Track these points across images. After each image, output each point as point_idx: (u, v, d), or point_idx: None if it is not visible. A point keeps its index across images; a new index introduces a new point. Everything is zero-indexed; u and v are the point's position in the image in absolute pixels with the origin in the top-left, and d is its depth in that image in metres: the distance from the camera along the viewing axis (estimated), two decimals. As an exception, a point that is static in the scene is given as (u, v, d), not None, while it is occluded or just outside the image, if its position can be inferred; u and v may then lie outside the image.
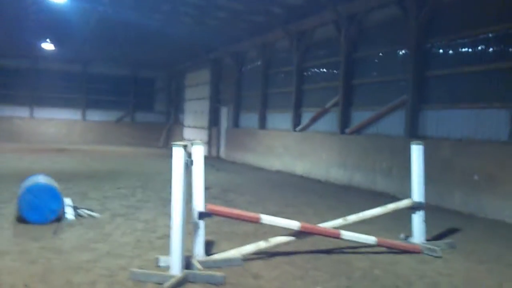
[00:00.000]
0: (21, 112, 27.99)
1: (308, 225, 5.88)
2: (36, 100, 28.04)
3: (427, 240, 6.43)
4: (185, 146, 4.65)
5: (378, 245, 6.04)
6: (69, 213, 7.41)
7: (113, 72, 29.74)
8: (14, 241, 6.04)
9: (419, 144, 6.49)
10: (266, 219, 5.55)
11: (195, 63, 25.33)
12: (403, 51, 11.96)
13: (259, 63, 18.92)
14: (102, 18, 16.76)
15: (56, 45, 22.41)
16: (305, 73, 16.03)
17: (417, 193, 6.38)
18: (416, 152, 6.43)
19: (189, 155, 4.83)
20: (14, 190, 9.28)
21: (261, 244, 5.63)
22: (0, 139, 25.67)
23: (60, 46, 22.71)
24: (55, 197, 7.04)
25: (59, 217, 7.05)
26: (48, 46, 22.50)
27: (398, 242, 6.33)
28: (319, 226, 6.03)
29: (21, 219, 6.89)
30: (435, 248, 6.08)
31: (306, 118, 15.70)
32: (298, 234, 5.76)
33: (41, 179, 7.58)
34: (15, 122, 27.69)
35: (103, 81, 29.69)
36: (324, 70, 15.24)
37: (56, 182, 7.78)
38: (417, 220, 6.36)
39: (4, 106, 27.48)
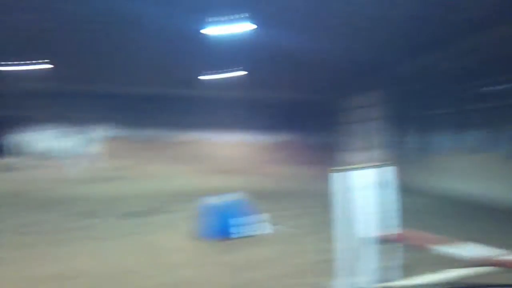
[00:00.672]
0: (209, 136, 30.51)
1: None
2: (211, 125, 30.35)
3: None
4: (344, 170, 4.52)
5: None
6: (257, 229, 7.80)
7: (280, 95, 30.82)
8: (194, 255, 6.51)
9: None
10: (455, 246, 5.06)
11: (362, 85, 24.98)
12: None
13: (440, 77, 17.88)
14: (287, 44, 17.29)
15: (244, 73, 23.85)
16: (477, 91, 14.72)
17: None
18: None
19: (364, 178, 4.69)
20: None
21: (450, 274, 5.15)
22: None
23: (248, 73, 24.07)
24: (247, 213, 7.49)
25: (250, 233, 7.49)
26: (238, 73, 24.00)
27: None
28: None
29: (199, 235, 7.42)
30: None
31: (486, 138, 14.35)
32: (487, 264, 5.14)
33: (235, 196, 8.16)
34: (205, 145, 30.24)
35: (270, 105, 31.00)
36: (498, 87, 13.83)
37: (247, 200, 8.26)
38: None
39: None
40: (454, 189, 15.28)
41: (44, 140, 29.23)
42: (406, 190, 15.85)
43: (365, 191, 4.96)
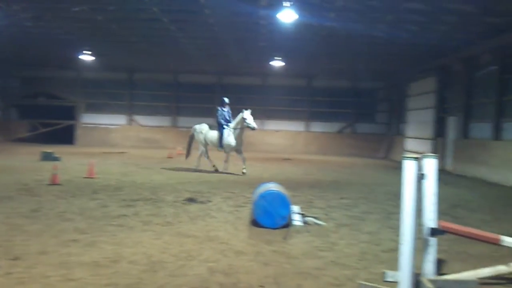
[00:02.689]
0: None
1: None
2: (267, 113, 30.34)
3: None
4: (417, 159, 4.47)
5: None
6: (297, 220, 7.80)
7: (334, 84, 30.62)
8: (249, 243, 6.59)
9: None
10: (508, 240, 4.97)
11: (419, 71, 24.34)
12: None
13: (493, 68, 17.24)
14: (328, 33, 17.34)
15: (284, 62, 23.98)
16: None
17: None
18: None
19: (419, 168, 4.63)
20: (248, 195, 10.26)
21: (501, 268, 5.06)
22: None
23: (288, 62, 24.22)
24: (285, 204, 7.50)
25: (288, 223, 7.49)
26: (277, 63, 24.21)
27: None
28: None
29: (255, 223, 7.52)
30: None
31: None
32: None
33: (273, 186, 8.15)
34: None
35: (325, 93, 30.76)
36: None
37: (285, 189, 8.28)
38: None
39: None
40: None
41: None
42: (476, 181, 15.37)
43: (427, 180, 4.88)
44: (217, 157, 16.98)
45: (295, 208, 8.21)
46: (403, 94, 27.67)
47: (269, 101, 30.48)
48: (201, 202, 9.62)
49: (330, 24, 15.77)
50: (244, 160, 15.43)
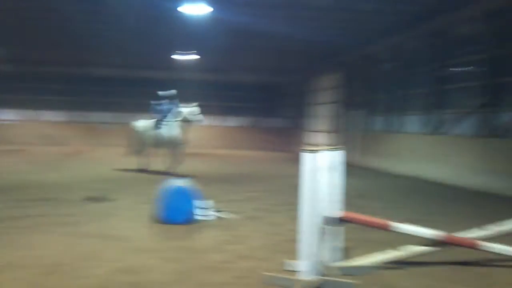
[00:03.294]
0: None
1: (447, 235, 5.43)
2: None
3: None
4: (314, 152, 4.58)
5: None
6: (204, 215, 7.73)
7: (246, 79, 30.89)
8: (154, 240, 6.43)
9: None
10: (399, 227, 5.24)
11: (324, 67, 25.22)
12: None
13: (392, 64, 18.24)
14: (236, 28, 17.37)
15: (196, 56, 23.79)
16: (442, 73, 15.09)
17: None
18: None
19: (327, 160, 4.76)
20: (154, 192, 10.01)
21: (395, 253, 5.34)
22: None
23: (201, 57, 24.05)
24: (192, 199, 7.40)
25: (196, 218, 7.39)
26: (188, 57, 23.93)
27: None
28: (458, 236, 5.55)
29: (161, 219, 7.34)
30: None
31: (444, 120, 14.76)
32: (436, 243, 5.35)
33: (180, 182, 8.01)
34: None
35: (236, 88, 31.01)
36: (464, 69, 14.22)
37: (193, 184, 8.17)
38: None
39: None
40: (412, 170, 15.65)
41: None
42: (372, 172, 16.20)
43: (327, 172, 5.02)
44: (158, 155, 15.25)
45: (202, 203, 8.13)
46: (308, 89, 28.54)
47: (181, 95, 30.05)
48: (104, 201, 9.24)
49: (238, 19, 15.83)
50: (178, 158, 14.11)
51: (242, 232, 6.89)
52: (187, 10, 13.80)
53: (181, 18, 15.67)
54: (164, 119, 14.34)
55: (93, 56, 25.97)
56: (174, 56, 23.90)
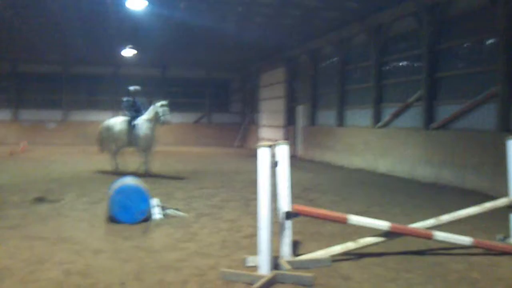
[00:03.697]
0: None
1: (399, 226, 5.64)
2: (119, 103, 29.24)
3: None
4: (270, 147, 4.62)
5: (474, 246, 5.68)
6: (157, 213, 7.62)
7: (190, 75, 30.68)
8: (107, 240, 6.28)
9: (517, 139, 6.03)
10: (354, 219, 5.39)
11: (270, 63, 25.41)
12: (491, 41, 11.26)
13: (335, 59, 18.63)
14: (178, 24, 17.19)
15: (137, 51, 23.32)
16: (384, 68, 15.57)
17: (517, 191, 5.93)
18: (514, 147, 5.98)
19: (273, 155, 4.80)
20: (104, 191, 9.76)
21: (350, 245, 5.48)
22: (82, 142, 26.85)
23: (141, 52, 23.60)
24: (143, 197, 7.27)
25: (147, 217, 7.28)
26: (129, 52, 23.45)
27: (496, 243, 5.93)
28: (410, 227, 5.77)
29: (112, 219, 7.18)
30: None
31: (387, 114, 15.26)
32: (388, 234, 5.54)
33: (130, 180, 7.86)
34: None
35: (180, 84, 30.69)
36: (405, 64, 14.72)
37: (143, 183, 8.03)
38: (517, 220, 5.93)
39: (90, 111, 29.21)
40: (359, 163, 16.09)
41: None
42: (322, 165, 16.44)
43: (282, 167, 5.08)
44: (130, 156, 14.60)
45: (154, 201, 8.00)
46: (255, 85, 28.68)
47: (121, 91, 29.40)
48: (52, 201, 8.92)
49: (180, 15, 15.68)
50: (149, 158, 13.38)
51: (196, 230, 6.85)
52: (128, 5, 13.52)
53: (121, 13, 15.35)
54: (137, 117, 13.37)
55: (26, 52, 24.99)
56: (121, 52, 23.35)
